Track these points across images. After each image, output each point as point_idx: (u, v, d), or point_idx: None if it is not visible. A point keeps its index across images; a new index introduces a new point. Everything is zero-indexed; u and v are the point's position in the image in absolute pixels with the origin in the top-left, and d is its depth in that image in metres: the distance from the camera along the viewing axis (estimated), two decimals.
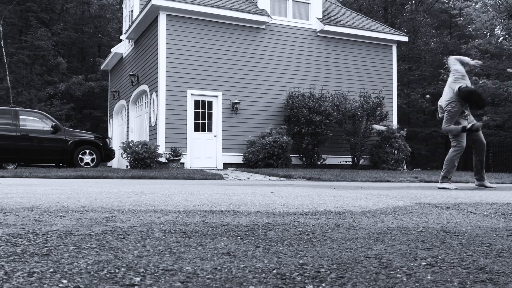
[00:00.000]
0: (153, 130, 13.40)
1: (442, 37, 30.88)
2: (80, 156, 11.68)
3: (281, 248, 1.59)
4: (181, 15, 13.05)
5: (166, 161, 11.86)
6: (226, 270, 1.27)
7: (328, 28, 14.67)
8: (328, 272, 1.27)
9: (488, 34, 23.54)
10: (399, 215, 2.63)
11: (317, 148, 13.72)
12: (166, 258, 1.40)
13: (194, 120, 13.20)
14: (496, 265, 1.38)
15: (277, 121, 13.83)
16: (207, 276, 1.19)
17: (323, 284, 1.15)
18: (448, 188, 5.82)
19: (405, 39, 16.38)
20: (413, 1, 32.66)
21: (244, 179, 8.54)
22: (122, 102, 17.60)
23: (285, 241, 1.73)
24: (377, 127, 12.34)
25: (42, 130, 11.55)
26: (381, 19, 29.38)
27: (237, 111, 13.52)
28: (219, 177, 8.54)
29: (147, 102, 14.28)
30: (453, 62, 6.05)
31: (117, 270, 1.23)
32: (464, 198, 3.95)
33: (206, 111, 13.39)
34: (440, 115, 6.17)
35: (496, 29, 23.41)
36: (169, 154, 11.90)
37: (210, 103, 13.42)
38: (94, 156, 11.84)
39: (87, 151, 11.79)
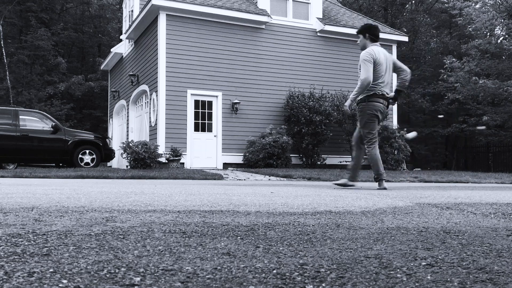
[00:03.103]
0: (153, 130, 13.40)
1: (442, 37, 30.85)
2: (80, 156, 11.68)
3: (281, 248, 1.58)
4: (181, 15, 13.05)
5: (166, 161, 11.85)
6: (226, 270, 1.26)
7: (328, 28, 14.67)
8: (328, 272, 1.27)
9: (488, 34, 23.51)
10: (399, 215, 2.63)
11: (317, 148, 13.72)
12: (166, 258, 1.40)
13: (194, 120, 13.20)
14: (496, 265, 1.38)
15: (277, 121, 13.83)
16: (207, 276, 1.19)
17: (323, 284, 1.15)
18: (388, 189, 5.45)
19: (405, 39, 16.38)
20: (413, 1, 32.65)
21: (244, 179, 8.54)
22: (122, 102, 17.60)
23: (285, 241, 1.73)
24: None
25: (42, 130, 11.55)
26: (381, 19, 29.37)
27: (237, 111, 13.52)
28: (219, 177, 8.54)
29: (147, 102, 14.28)
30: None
31: (117, 270, 1.23)
32: (464, 198, 3.95)
33: (206, 111, 13.39)
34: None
35: (496, 29, 23.40)
36: (169, 154, 11.90)
37: (210, 103, 13.43)
38: (94, 156, 11.84)
39: (87, 151, 11.79)
